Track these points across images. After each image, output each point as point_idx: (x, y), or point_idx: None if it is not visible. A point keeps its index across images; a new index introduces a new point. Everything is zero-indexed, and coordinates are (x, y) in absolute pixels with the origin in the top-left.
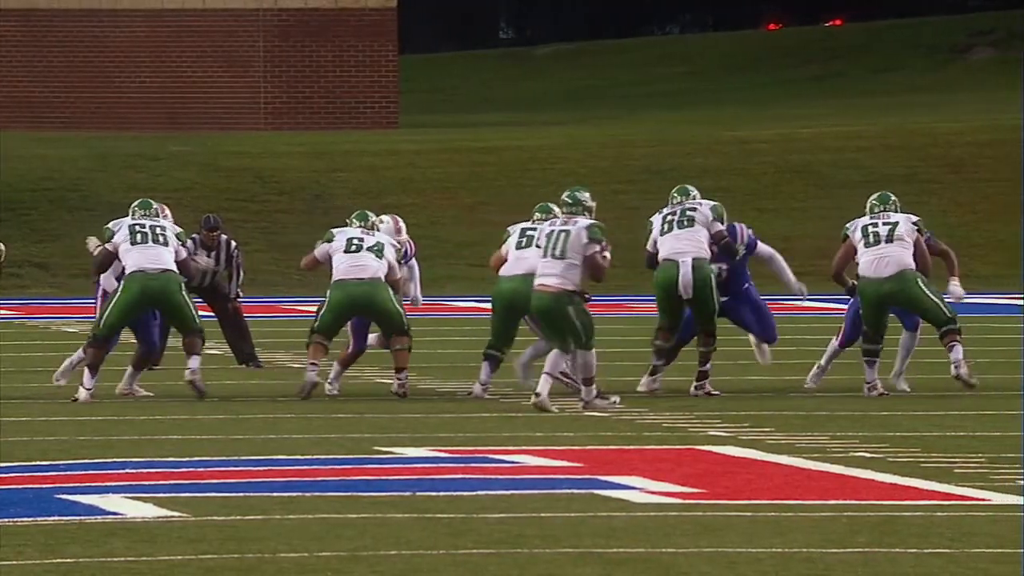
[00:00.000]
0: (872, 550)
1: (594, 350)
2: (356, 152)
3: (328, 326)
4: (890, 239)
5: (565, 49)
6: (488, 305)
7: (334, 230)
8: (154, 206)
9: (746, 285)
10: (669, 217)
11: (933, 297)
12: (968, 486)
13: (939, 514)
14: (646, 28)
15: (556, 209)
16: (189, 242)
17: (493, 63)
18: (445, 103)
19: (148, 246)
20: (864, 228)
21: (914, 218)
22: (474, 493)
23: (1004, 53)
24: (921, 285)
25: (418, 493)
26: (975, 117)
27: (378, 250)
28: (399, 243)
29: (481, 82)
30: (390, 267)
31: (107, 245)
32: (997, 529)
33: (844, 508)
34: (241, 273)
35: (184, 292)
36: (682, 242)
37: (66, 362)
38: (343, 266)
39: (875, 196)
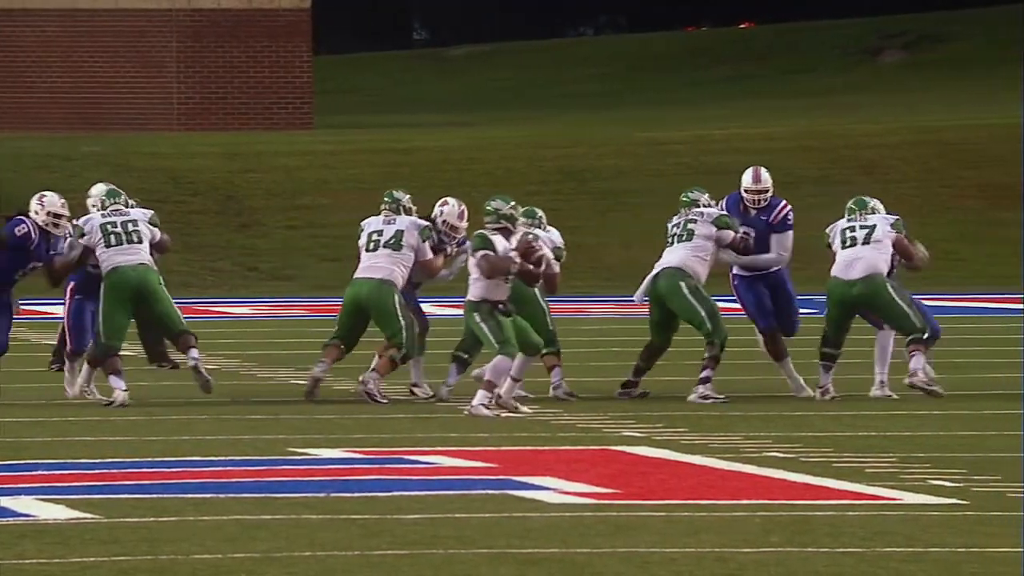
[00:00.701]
0: (785, 549)
1: (505, 356)
2: (270, 153)
3: (342, 329)
4: (866, 241)
5: (479, 50)
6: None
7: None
8: (122, 195)
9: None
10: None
11: (902, 303)
12: (879, 485)
13: (851, 513)
14: (560, 30)
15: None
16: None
17: (407, 64)
18: (360, 104)
19: (124, 248)
20: (842, 231)
21: (891, 219)
22: (389, 494)
23: (914, 55)
24: (891, 291)
25: (332, 494)
26: (887, 119)
27: (396, 242)
28: (455, 228)
29: (396, 83)
30: (417, 250)
31: (82, 241)
32: (908, 528)
33: (757, 508)
34: None
35: (165, 288)
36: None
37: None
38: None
39: (852, 201)
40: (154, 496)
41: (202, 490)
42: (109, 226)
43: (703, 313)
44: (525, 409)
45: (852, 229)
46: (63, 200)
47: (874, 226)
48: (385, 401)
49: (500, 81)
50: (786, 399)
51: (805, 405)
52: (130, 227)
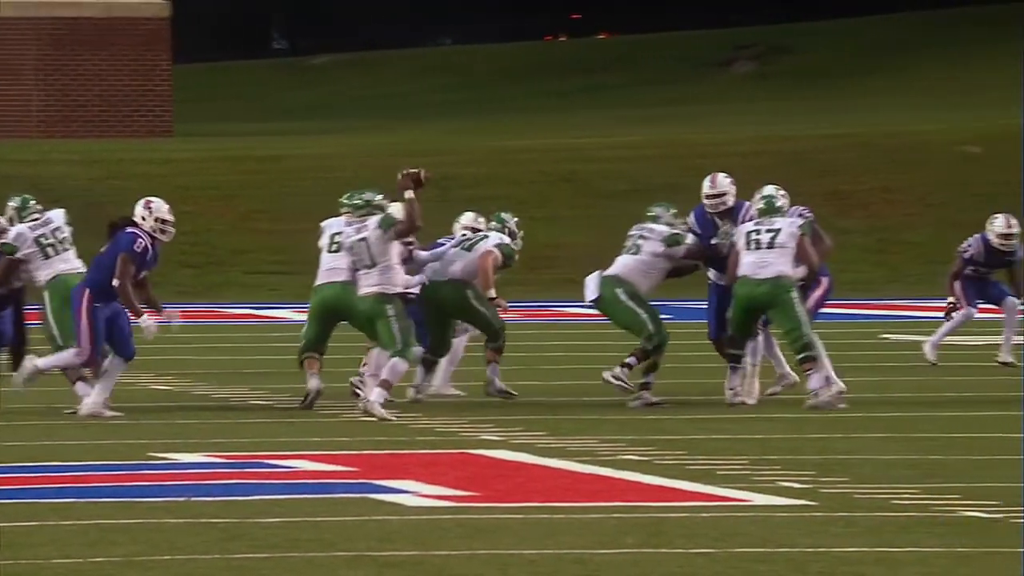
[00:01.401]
0: (640, 550)
1: (404, 360)
2: (130, 160)
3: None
4: (771, 245)
5: (338, 59)
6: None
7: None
8: (32, 201)
9: None
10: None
11: (800, 315)
12: (731, 487)
13: (704, 515)
14: (419, 39)
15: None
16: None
17: (268, 72)
18: (220, 112)
19: (61, 256)
20: (748, 234)
21: (799, 222)
22: (248, 498)
23: (764, 66)
24: (794, 298)
25: (192, 498)
26: (738, 129)
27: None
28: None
29: (256, 91)
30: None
31: (13, 257)
32: (758, 529)
33: (613, 510)
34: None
35: None
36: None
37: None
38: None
39: (761, 202)
40: (14, 501)
41: (62, 495)
42: (42, 239)
43: (644, 315)
44: (390, 418)
45: (758, 232)
46: (168, 205)
47: (779, 230)
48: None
49: (359, 90)
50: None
51: (658, 409)
52: (59, 235)
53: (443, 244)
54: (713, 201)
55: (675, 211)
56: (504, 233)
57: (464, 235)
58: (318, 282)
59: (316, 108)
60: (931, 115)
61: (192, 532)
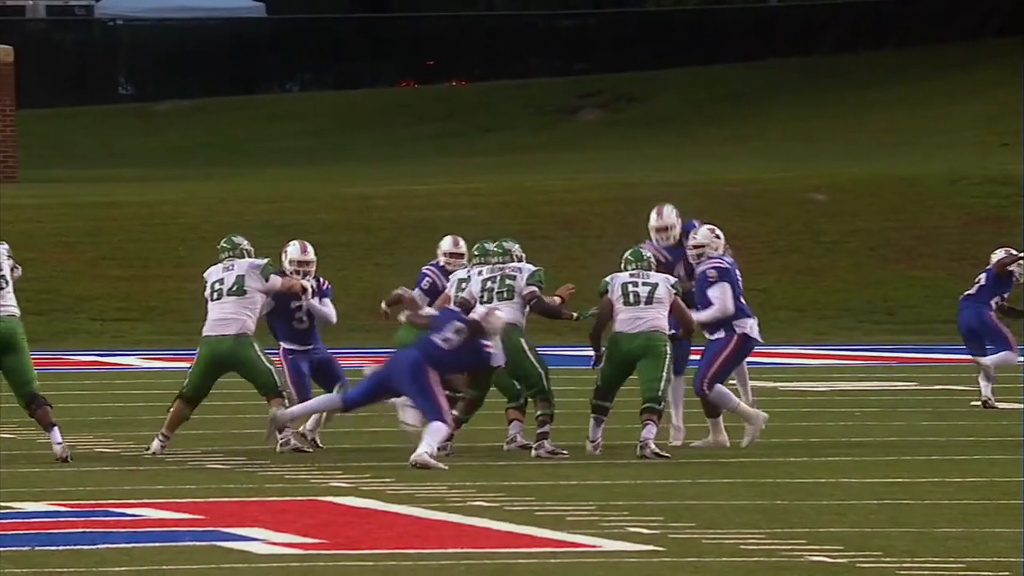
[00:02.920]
0: None
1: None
2: None
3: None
4: (649, 301)
5: (184, 106)
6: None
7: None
8: None
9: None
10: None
11: (664, 370)
12: (580, 533)
13: (552, 561)
14: (266, 86)
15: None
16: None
17: (114, 118)
18: (65, 158)
19: None
20: (624, 286)
21: (672, 279)
22: (94, 547)
23: (610, 114)
24: (665, 352)
25: (37, 548)
26: (584, 176)
27: (238, 288)
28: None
29: (102, 137)
30: (267, 290)
31: None
32: (607, 574)
33: (462, 556)
34: None
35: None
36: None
37: None
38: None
39: (629, 252)
40: None
41: None
42: None
43: (541, 371)
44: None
45: (635, 285)
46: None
47: (656, 284)
48: (311, 449)
49: (205, 136)
50: (491, 450)
51: (508, 456)
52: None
53: (426, 273)
54: (662, 234)
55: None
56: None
57: (489, 279)
58: (206, 332)
59: (161, 154)
60: (776, 163)
61: None
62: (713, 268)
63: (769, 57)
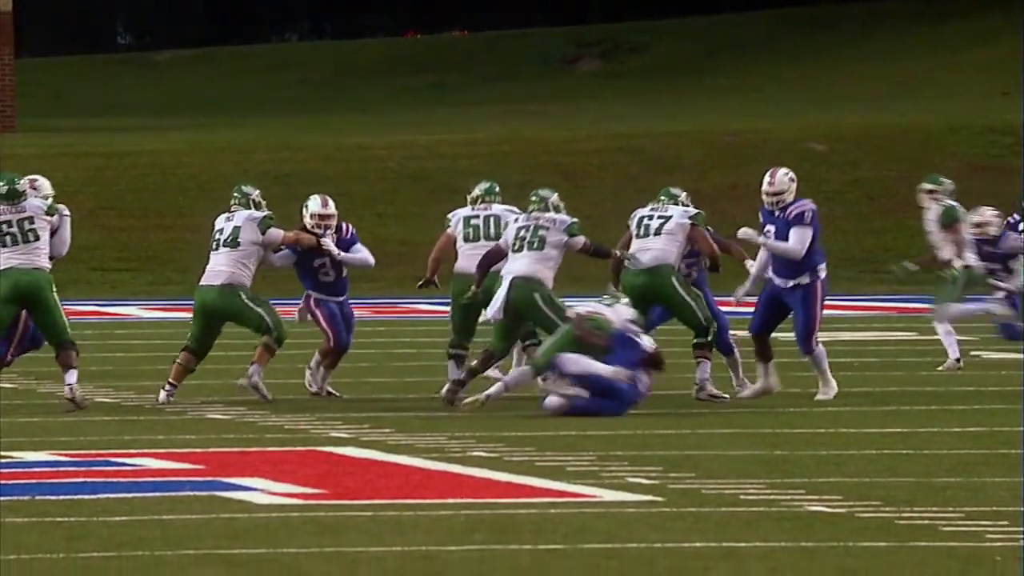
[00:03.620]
0: (489, 547)
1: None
2: None
3: (196, 338)
4: (658, 232)
5: (184, 55)
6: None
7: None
8: (19, 181)
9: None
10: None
11: (688, 298)
12: (580, 483)
13: (553, 511)
14: (265, 35)
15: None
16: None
17: (113, 68)
18: (65, 107)
19: (19, 248)
20: (640, 219)
21: (692, 211)
22: (95, 496)
23: (610, 64)
24: (676, 283)
25: (37, 497)
26: (584, 126)
27: (232, 240)
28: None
29: (101, 87)
30: (263, 243)
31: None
32: (607, 525)
33: (462, 507)
34: None
35: (55, 292)
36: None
37: None
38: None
39: (663, 191)
40: None
41: None
42: (4, 226)
43: (560, 321)
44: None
45: (650, 218)
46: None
47: (669, 216)
48: (268, 398)
49: (206, 86)
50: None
51: (508, 406)
52: (26, 224)
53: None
54: (773, 198)
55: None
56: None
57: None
58: (200, 282)
59: (161, 104)
60: (776, 113)
61: (37, 531)
62: (810, 211)
63: (770, 6)
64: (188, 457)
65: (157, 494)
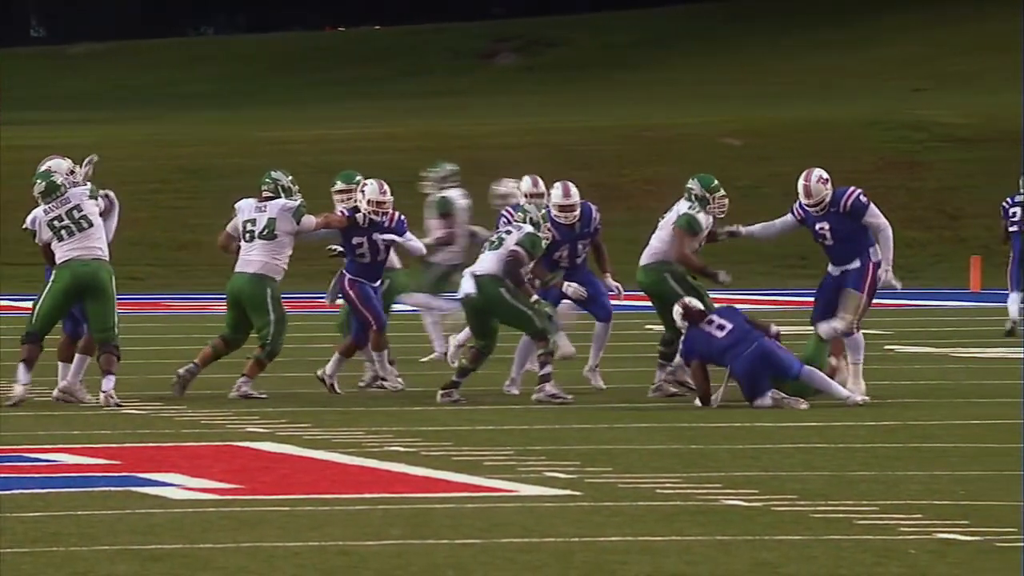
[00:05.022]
0: (406, 542)
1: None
2: None
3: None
4: (664, 228)
5: (99, 48)
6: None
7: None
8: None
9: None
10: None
11: (679, 289)
12: (497, 478)
13: (469, 506)
14: (180, 29)
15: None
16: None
17: (26, 61)
18: None
19: (76, 238)
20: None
21: (684, 208)
22: (9, 492)
23: (526, 58)
24: (671, 280)
25: None
26: (500, 120)
27: (269, 232)
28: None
29: (14, 81)
30: (298, 232)
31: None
32: (524, 519)
33: (379, 501)
34: None
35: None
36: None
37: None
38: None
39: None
40: None
41: None
42: (56, 220)
43: (529, 313)
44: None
45: (663, 216)
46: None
47: (676, 212)
48: (263, 396)
49: (120, 79)
50: (408, 395)
51: (427, 400)
52: (75, 214)
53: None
54: (816, 208)
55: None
56: (527, 223)
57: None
58: (237, 268)
59: (76, 97)
60: (692, 108)
61: None
62: (860, 192)
63: (686, 1)
64: (104, 452)
65: (72, 489)
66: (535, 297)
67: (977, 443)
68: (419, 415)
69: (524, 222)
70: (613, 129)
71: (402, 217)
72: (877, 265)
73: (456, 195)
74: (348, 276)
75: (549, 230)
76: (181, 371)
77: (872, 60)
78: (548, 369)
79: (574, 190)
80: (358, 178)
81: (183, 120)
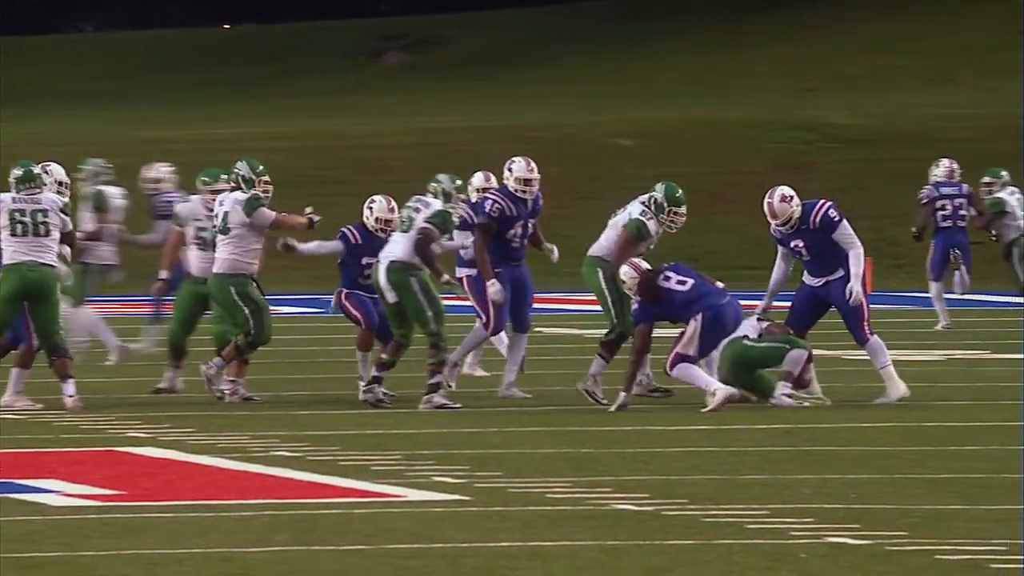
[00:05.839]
0: (291, 548)
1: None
2: None
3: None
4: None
5: None
6: None
7: None
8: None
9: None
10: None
11: (608, 295)
12: (385, 483)
13: (357, 511)
14: (59, 26)
15: None
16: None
17: None
18: None
19: (28, 240)
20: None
21: (636, 211)
22: None
23: (415, 57)
24: (597, 275)
25: None
26: (388, 120)
27: (224, 227)
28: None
29: None
30: (251, 225)
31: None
32: (412, 524)
33: (264, 507)
34: None
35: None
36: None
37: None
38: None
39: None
40: None
41: None
42: (17, 213)
43: (429, 313)
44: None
45: (615, 214)
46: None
47: (626, 211)
48: (220, 395)
49: None
50: (295, 399)
51: (313, 404)
52: (39, 216)
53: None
54: (785, 226)
55: (459, 182)
56: (440, 198)
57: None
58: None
59: None
60: (582, 108)
61: None
62: (831, 207)
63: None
64: None
65: None
66: (446, 277)
67: (868, 446)
68: (305, 419)
69: (437, 196)
70: (502, 129)
71: None
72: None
73: (114, 192)
74: (345, 291)
75: (465, 202)
76: (210, 372)
77: (765, 59)
78: (438, 379)
79: (535, 165)
80: (224, 176)
81: (62, 119)
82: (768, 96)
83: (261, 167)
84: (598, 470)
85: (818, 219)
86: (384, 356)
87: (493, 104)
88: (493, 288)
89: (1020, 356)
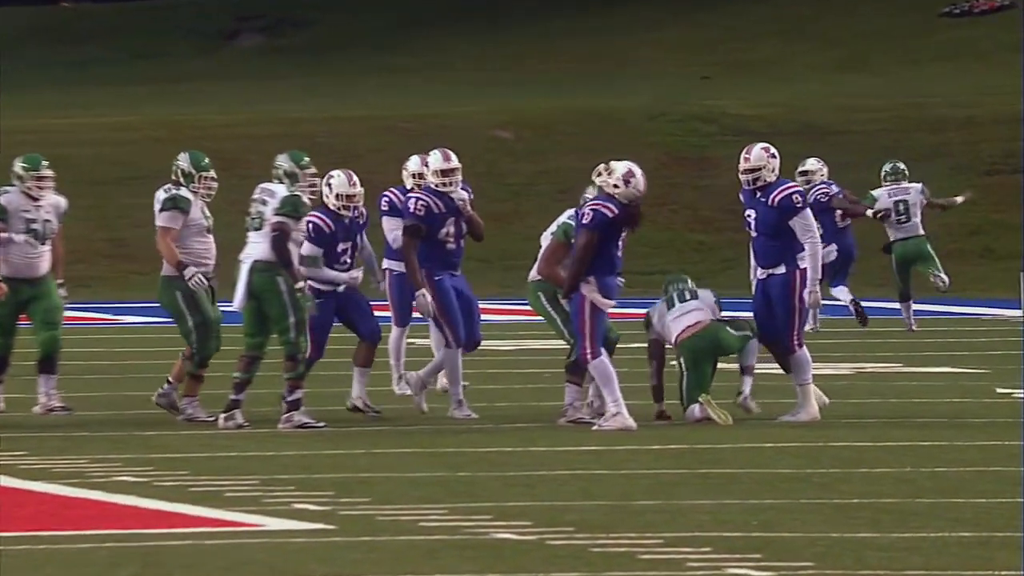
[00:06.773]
0: None
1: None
2: None
3: None
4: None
5: None
6: None
7: None
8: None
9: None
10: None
11: (553, 314)
12: (240, 511)
13: (209, 542)
14: None
15: None
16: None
17: None
18: None
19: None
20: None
21: (565, 216)
22: None
23: (273, 39)
24: (538, 296)
25: None
26: (244, 109)
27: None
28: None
29: None
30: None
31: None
32: (271, 557)
33: (105, 538)
34: None
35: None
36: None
37: None
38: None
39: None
40: None
41: None
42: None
43: (292, 320)
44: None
45: (548, 230)
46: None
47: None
48: (180, 416)
49: None
50: (138, 418)
51: (158, 425)
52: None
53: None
54: (750, 175)
55: (307, 159)
56: (285, 181)
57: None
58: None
59: None
60: (459, 97)
61: None
62: (797, 193)
63: None
64: None
65: None
66: (300, 284)
67: (770, 468)
68: (150, 441)
69: (279, 180)
70: (372, 119)
71: (366, 214)
72: (804, 273)
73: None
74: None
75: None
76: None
77: (657, 44)
78: (298, 395)
79: (453, 154)
80: (45, 163)
81: None
82: (662, 84)
83: (206, 160)
84: (476, 496)
85: (778, 199)
86: (236, 375)
87: (361, 92)
88: (423, 299)
89: (933, 369)
